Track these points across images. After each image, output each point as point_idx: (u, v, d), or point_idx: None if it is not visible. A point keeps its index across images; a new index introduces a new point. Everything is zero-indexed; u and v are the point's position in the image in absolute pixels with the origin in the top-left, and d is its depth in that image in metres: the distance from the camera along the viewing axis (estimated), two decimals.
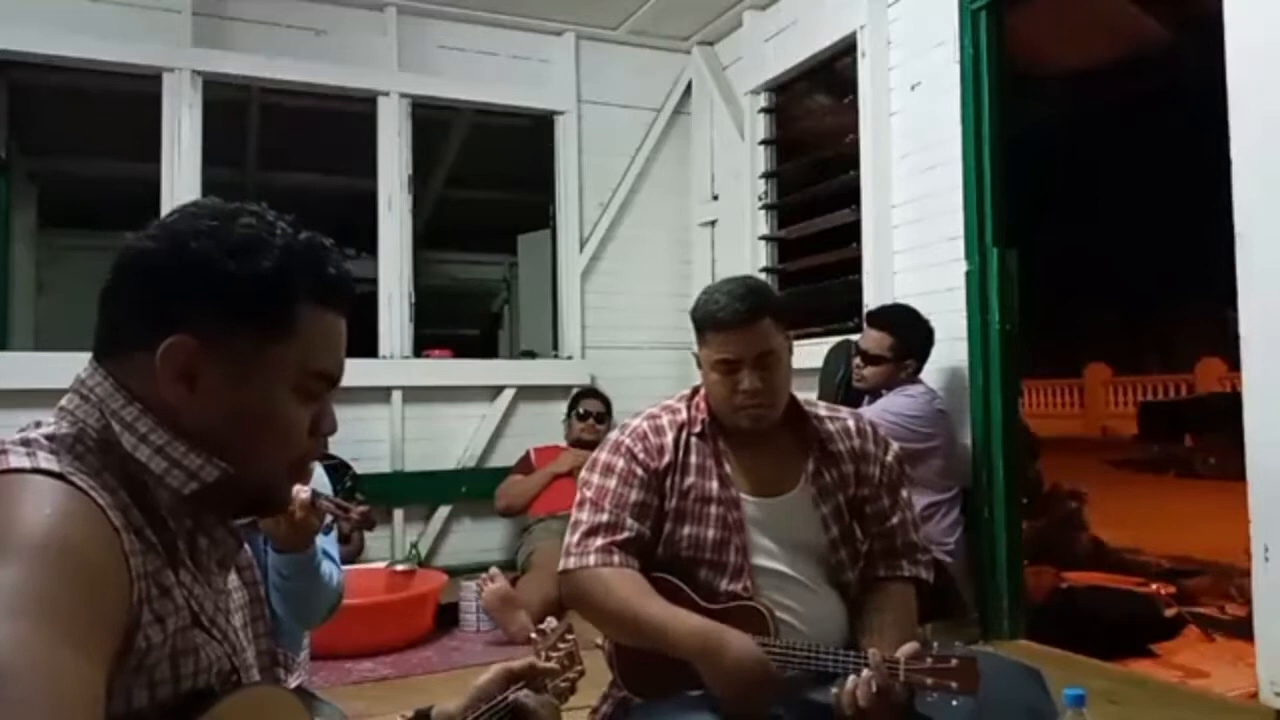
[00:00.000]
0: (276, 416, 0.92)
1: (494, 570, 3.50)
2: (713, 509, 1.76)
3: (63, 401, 0.89)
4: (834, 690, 1.51)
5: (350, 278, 0.97)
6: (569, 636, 1.33)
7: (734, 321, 1.75)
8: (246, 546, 1.01)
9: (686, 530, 1.75)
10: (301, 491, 1.74)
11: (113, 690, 0.74)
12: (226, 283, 0.88)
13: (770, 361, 1.76)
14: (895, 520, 1.84)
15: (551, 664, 1.29)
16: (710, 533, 1.75)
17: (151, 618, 0.79)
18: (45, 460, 0.79)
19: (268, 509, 1.01)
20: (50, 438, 0.83)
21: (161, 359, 0.86)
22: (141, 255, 0.90)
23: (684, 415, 1.84)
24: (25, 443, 0.82)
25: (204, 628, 0.87)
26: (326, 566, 1.88)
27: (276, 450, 0.93)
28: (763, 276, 4.69)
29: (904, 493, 1.88)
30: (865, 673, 1.49)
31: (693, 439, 1.81)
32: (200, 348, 0.87)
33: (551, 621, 1.38)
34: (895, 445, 1.92)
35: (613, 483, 1.77)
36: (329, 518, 1.77)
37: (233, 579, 0.99)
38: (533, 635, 1.35)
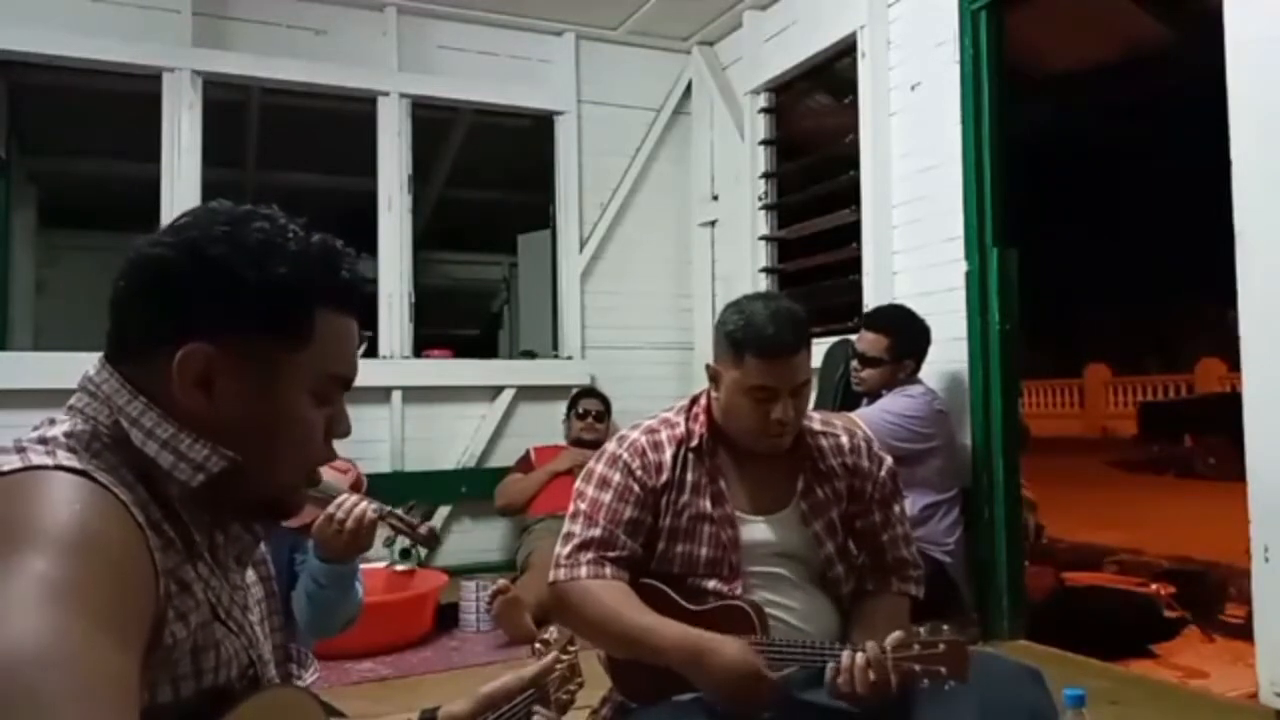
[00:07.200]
0: (295, 423, 0.91)
1: (503, 582, 3.49)
2: (706, 527, 1.74)
3: (72, 400, 0.88)
4: (829, 667, 1.51)
5: (363, 279, 0.98)
6: (571, 648, 1.32)
7: (782, 352, 1.70)
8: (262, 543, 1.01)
9: (680, 549, 1.74)
10: (370, 508, 1.73)
11: (140, 684, 0.74)
12: (244, 290, 0.87)
13: (805, 391, 1.75)
14: (886, 537, 1.83)
15: (559, 671, 1.28)
16: (704, 551, 1.73)
17: (174, 615, 0.80)
18: (65, 458, 0.79)
19: (279, 514, 0.98)
20: (69, 434, 0.83)
21: (179, 367, 0.86)
22: (157, 261, 0.88)
23: (681, 429, 1.81)
24: (43, 441, 0.82)
25: (222, 621, 0.87)
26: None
27: (295, 456, 0.93)
28: (762, 276, 4.70)
29: (896, 508, 1.86)
30: (859, 656, 1.49)
31: (689, 454, 1.78)
32: (217, 354, 0.86)
33: (554, 631, 1.37)
34: (889, 460, 1.89)
35: (608, 497, 1.74)
36: (388, 532, 1.74)
37: (249, 574, 0.99)
38: (537, 645, 1.34)
